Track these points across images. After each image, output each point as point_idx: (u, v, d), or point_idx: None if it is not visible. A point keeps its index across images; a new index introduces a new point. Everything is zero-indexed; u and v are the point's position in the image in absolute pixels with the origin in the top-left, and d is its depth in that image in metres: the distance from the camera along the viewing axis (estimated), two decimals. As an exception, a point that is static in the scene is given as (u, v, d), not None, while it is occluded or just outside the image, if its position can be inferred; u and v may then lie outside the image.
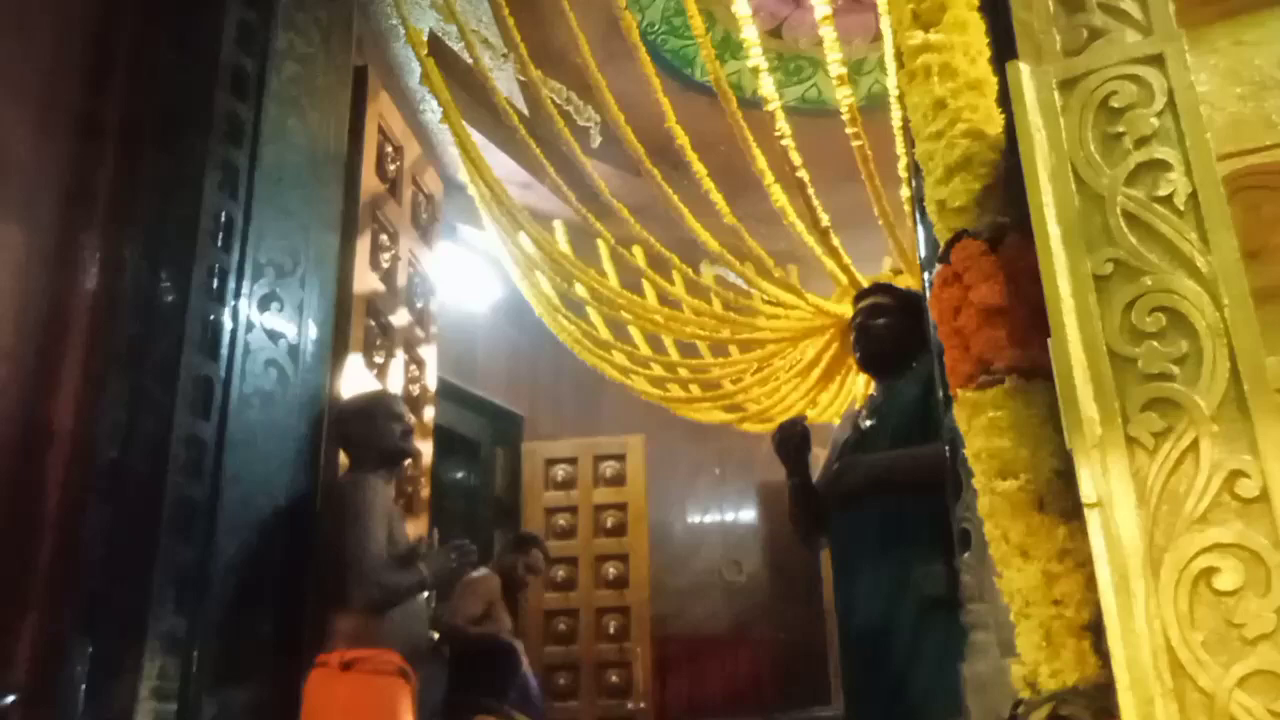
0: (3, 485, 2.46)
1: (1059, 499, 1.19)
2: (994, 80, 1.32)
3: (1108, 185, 1.16)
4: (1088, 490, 1.09)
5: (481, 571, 4.35)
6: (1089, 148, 1.18)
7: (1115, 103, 1.19)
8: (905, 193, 3.66)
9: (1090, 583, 1.17)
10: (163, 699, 2.43)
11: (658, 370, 5.25)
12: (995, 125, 1.29)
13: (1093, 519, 1.08)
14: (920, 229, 1.89)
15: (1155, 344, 1.10)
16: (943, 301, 1.25)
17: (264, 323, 2.84)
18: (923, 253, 1.88)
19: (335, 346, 3.13)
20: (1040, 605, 1.18)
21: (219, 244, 2.77)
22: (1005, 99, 1.27)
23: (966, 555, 1.70)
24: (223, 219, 2.79)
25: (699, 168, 3.68)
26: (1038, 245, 1.13)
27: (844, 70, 3.20)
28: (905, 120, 2.98)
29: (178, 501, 2.54)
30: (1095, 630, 1.16)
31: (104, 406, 2.62)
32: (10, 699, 2.33)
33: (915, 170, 1.86)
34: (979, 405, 1.23)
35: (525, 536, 5.02)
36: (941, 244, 1.31)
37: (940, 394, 1.80)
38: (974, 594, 1.69)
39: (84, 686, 2.41)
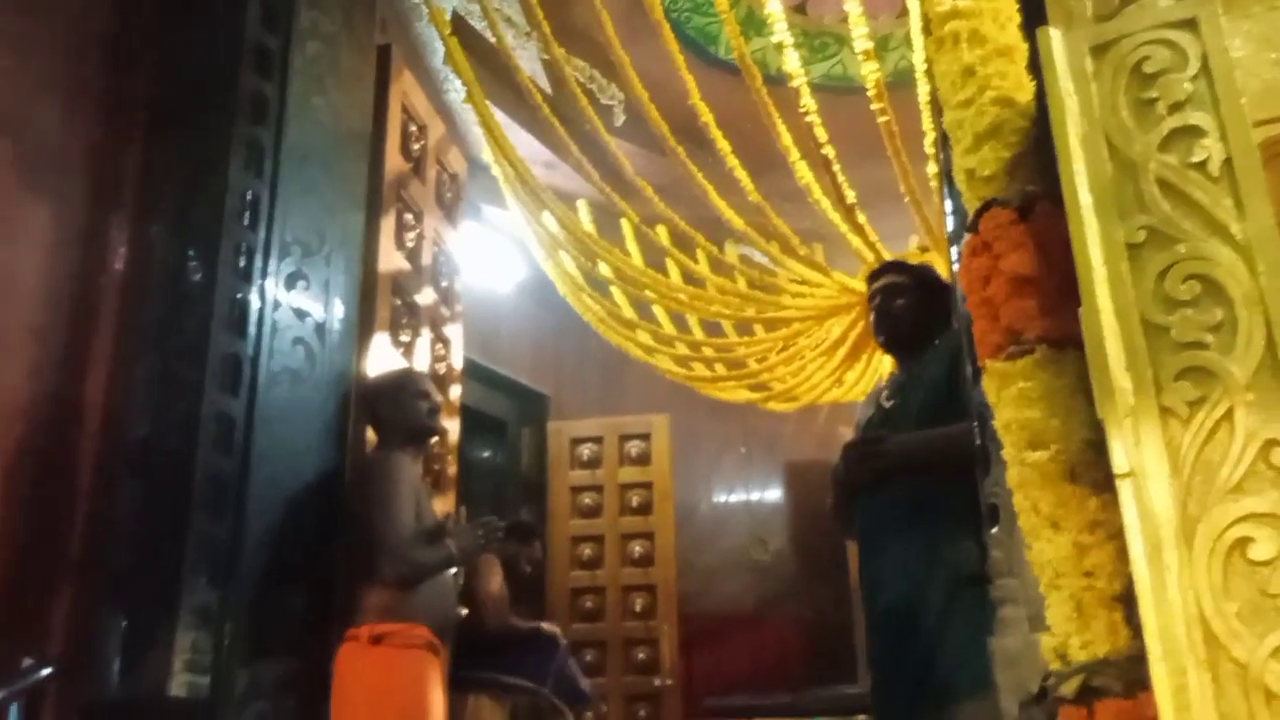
0: (36, 463, 2.50)
1: (1090, 470, 1.17)
2: (1024, 46, 1.29)
3: (1140, 152, 1.14)
4: (1120, 460, 1.07)
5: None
6: (1121, 114, 1.16)
7: (1148, 68, 1.17)
8: (932, 169, 3.63)
9: (1122, 554, 1.15)
10: (196, 672, 2.46)
11: (682, 349, 5.25)
12: (1025, 92, 1.26)
13: (1125, 489, 1.07)
14: (948, 202, 1.87)
15: (1189, 312, 1.09)
16: (971, 271, 1.24)
17: (291, 301, 2.86)
18: (950, 226, 1.85)
19: (361, 325, 3.15)
20: (1071, 577, 1.17)
21: (245, 223, 2.78)
22: (1035, 65, 1.25)
23: (995, 530, 1.69)
24: (249, 198, 2.80)
25: (723, 145, 3.66)
26: (1069, 213, 1.12)
27: (870, 45, 3.17)
28: (932, 95, 2.95)
29: (208, 478, 2.57)
30: (1126, 602, 1.15)
31: (134, 385, 2.66)
32: (46, 671, 2.37)
33: (943, 143, 1.84)
34: (1008, 376, 1.21)
35: (525, 526, 4.87)
36: (970, 214, 1.29)
37: (968, 367, 1.79)
38: (1003, 568, 1.68)
39: (118, 660, 2.45)
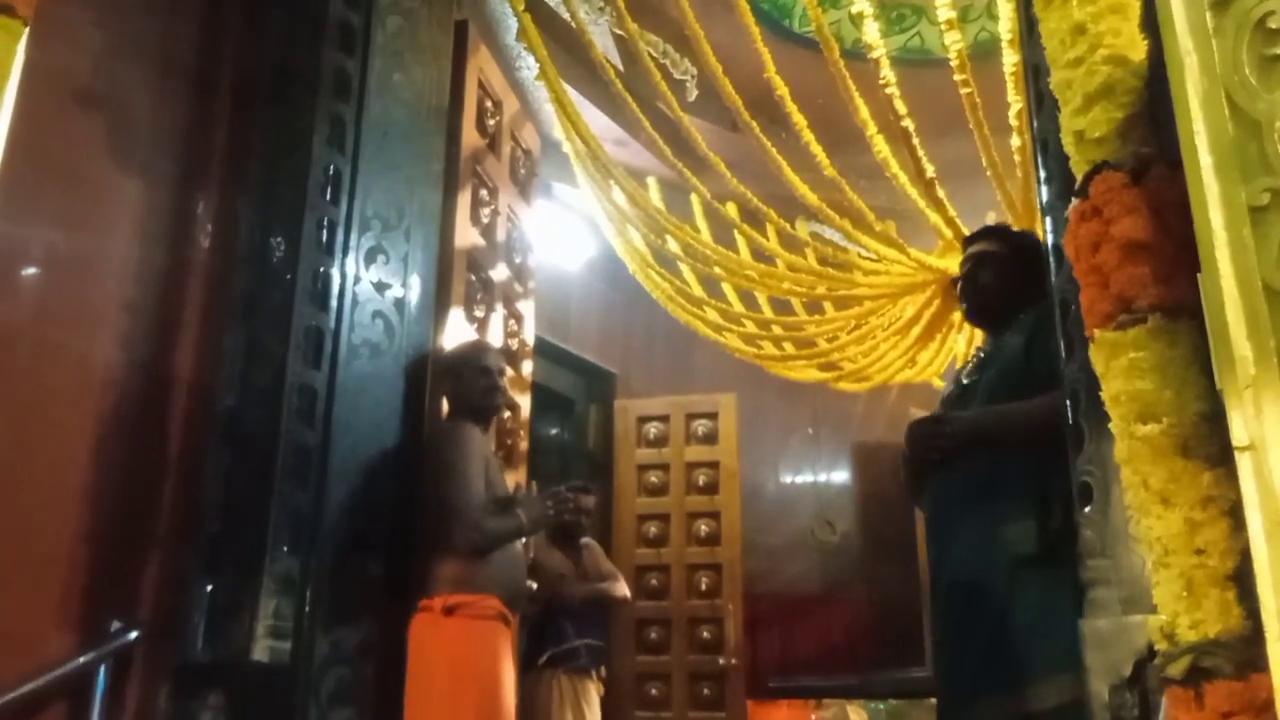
0: (128, 432, 2.57)
1: (1204, 443, 1.13)
2: (1136, 3, 1.25)
3: (1265, 111, 1.09)
4: (1239, 433, 1.03)
5: None
6: (1244, 71, 1.11)
7: (1273, 23, 1.12)
8: (1015, 141, 3.55)
9: (1235, 531, 1.12)
10: (278, 637, 2.51)
11: (751, 327, 5.21)
12: (1139, 51, 1.22)
13: (1244, 463, 1.03)
14: (1041, 170, 1.82)
15: (1316, 279, 1.04)
16: (1080, 237, 1.20)
17: (371, 275, 2.89)
18: (1045, 195, 1.80)
19: (438, 300, 3.17)
20: (1181, 554, 1.13)
21: (327, 197, 2.81)
22: (1149, 23, 1.20)
23: (1088, 509, 1.65)
24: (331, 172, 2.83)
25: (799, 119, 3.61)
26: (1188, 175, 1.07)
27: (953, 14, 3.10)
28: (1019, 65, 2.87)
29: (291, 448, 2.61)
30: (1240, 580, 1.11)
31: (221, 356, 2.71)
32: (134, 635, 2.44)
33: (1038, 109, 1.79)
34: (1119, 346, 1.17)
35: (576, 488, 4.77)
36: (1079, 177, 1.25)
37: (1061, 342, 1.74)
38: (1095, 549, 1.64)
39: (203, 625, 2.50)
